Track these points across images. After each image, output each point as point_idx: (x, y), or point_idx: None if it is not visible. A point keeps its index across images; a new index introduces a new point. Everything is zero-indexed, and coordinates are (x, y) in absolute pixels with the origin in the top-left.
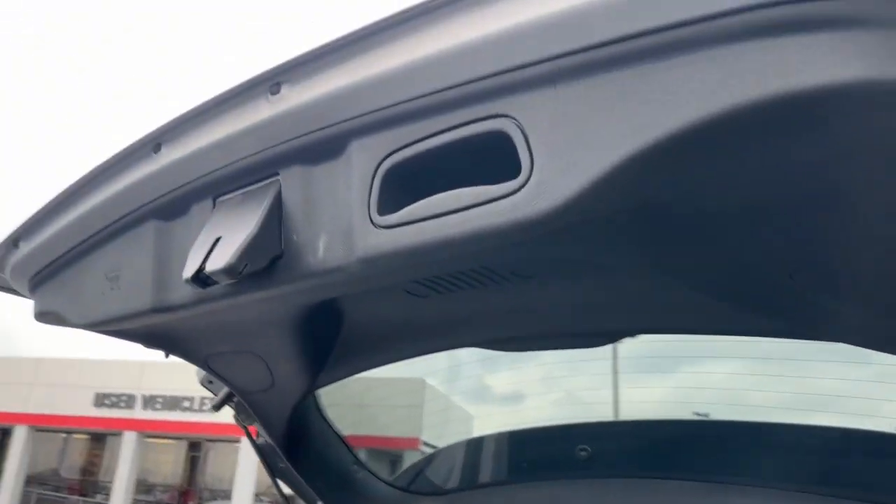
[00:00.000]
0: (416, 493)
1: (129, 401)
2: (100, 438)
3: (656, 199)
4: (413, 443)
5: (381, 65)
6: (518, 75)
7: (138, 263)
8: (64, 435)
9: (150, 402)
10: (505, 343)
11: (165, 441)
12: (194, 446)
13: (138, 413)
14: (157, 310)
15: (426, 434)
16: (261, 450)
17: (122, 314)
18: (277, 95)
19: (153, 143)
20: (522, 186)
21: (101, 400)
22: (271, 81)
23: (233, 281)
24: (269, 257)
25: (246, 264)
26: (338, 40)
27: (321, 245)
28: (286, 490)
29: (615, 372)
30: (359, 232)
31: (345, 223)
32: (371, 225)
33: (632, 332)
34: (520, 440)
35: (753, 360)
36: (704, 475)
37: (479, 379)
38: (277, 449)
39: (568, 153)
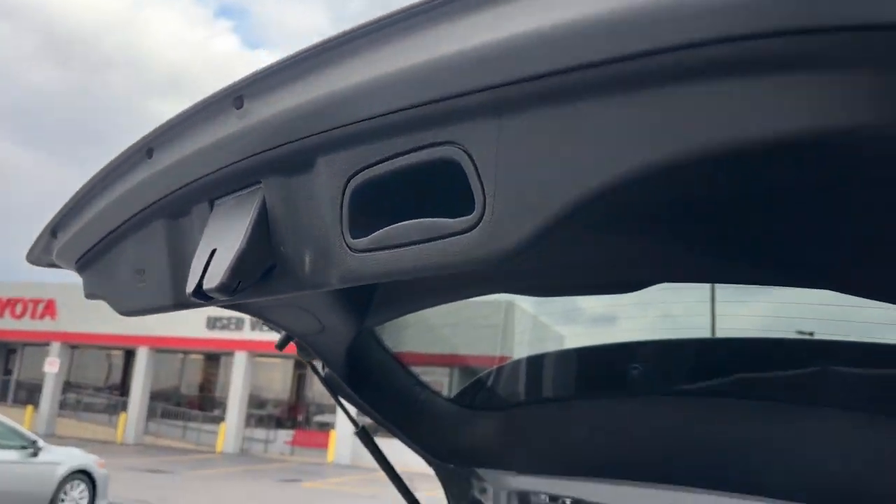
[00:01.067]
0: (476, 408)
1: (238, 323)
2: (214, 358)
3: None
4: (501, 361)
5: (339, 81)
6: (462, 102)
7: (156, 260)
8: (181, 355)
9: (257, 324)
10: (551, 290)
11: (273, 360)
12: (300, 365)
13: (247, 334)
14: (179, 305)
15: (516, 353)
16: (326, 381)
17: (151, 306)
18: (241, 110)
19: (146, 147)
20: (476, 225)
21: (212, 323)
22: (234, 95)
23: (229, 297)
24: (260, 270)
25: (239, 282)
26: (297, 54)
27: (307, 259)
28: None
29: (712, 299)
30: (335, 254)
31: (323, 241)
32: (346, 248)
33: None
34: (585, 356)
35: None
36: (769, 394)
37: (572, 301)
38: (340, 380)
39: (518, 191)
